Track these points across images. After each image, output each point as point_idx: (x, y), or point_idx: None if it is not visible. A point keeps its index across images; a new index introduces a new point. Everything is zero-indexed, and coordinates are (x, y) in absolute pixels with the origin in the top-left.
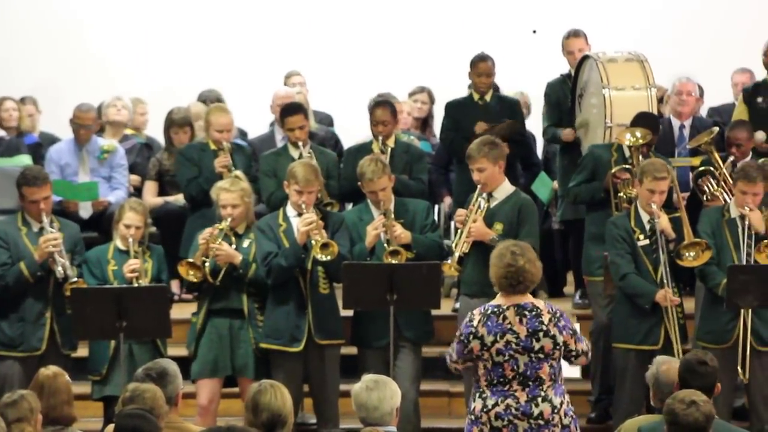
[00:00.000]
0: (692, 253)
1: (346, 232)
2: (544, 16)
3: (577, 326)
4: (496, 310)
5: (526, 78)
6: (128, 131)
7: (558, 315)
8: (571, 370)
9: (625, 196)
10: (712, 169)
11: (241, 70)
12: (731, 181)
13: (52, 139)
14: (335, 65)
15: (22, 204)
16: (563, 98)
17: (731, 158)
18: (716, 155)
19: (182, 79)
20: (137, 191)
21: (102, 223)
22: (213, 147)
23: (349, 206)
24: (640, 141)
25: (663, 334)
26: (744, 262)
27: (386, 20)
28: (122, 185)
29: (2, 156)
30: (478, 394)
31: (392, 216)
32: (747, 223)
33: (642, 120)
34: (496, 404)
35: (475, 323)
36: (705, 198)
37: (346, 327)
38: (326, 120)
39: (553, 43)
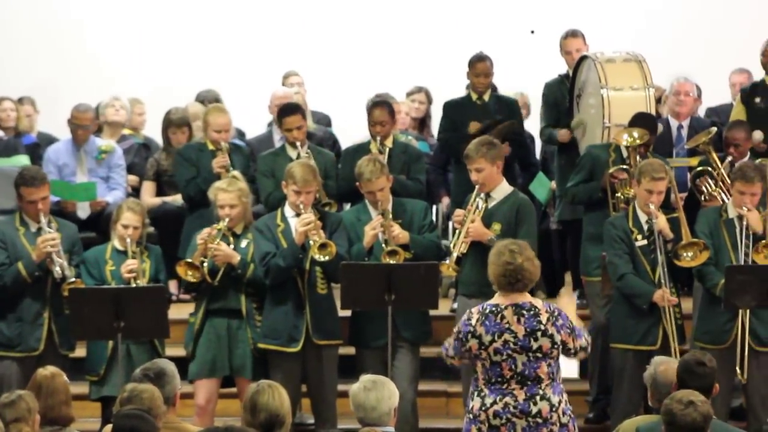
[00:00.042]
0: (690, 254)
1: (344, 232)
2: (542, 16)
3: (579, 323)
4: (494, 309)
5: (524, 78)
6: (126, 131)
7: (556, 314)
8: (568, 370)
9: (622, 197)
10: (710, 169)
11: (239, 71)
12: (729, 182)
13: (49, 140)
14: (333, 65)
15: (20, 204)
16: (561, 99)
17: (729, 158)
18: (714, 155)
19: (180, 79)
20: (135, 191)
21: (100, 224)
22: (211, 147)
23: (347, 206)
24: (638, 141)
25: (661, 334)
26: (742, 263)
27: (384, 20)
28: (120, 185)
29: (0, 156)
30: (476, 393)
31: (390, 216)
32: (745, 223)
33: (640, 120)
34: (494, 402)
35: (473, 322)
36: (703, 198)
37: (344, 327)
38: (324, 120)
39: (551, 43)
